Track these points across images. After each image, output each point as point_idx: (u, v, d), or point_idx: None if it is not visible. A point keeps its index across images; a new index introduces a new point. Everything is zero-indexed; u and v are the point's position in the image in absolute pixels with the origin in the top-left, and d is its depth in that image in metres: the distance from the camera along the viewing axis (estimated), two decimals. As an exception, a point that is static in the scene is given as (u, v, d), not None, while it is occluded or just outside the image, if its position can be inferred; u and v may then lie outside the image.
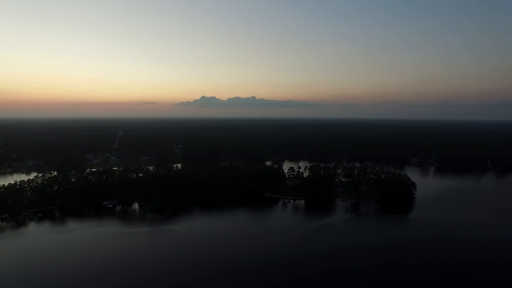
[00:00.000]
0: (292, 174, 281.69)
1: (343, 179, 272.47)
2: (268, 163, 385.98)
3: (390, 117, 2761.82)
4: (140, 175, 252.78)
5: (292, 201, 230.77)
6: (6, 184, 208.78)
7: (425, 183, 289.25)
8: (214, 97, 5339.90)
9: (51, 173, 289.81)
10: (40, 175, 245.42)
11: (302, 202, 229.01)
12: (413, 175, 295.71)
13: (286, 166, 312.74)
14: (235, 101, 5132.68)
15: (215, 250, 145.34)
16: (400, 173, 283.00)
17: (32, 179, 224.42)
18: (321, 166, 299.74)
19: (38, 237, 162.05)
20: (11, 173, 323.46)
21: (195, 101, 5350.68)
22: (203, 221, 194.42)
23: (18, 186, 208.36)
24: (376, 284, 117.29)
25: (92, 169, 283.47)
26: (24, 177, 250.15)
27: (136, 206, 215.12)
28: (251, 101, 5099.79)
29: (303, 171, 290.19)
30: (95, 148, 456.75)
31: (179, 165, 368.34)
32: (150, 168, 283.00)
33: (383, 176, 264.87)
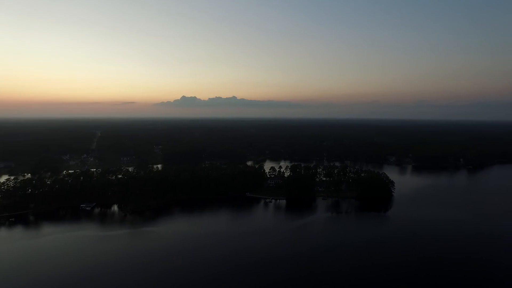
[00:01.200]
0: (273, 174, 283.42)
1: (324, 178, 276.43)
2: (249, 163, 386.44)
3: (369, 117, 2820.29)
4: (119, 176, 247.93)
5: (273, 200, 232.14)
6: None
7: (403, 182, 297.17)
8: (194, 97, 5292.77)
9: (24, 176, 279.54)
10: (12, 177, 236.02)
11: (283, 202, 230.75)
12: (391, 173, 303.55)
13: (267, 166, 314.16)
14: (216, 101, 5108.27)
15: (197, 251, 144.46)
16: (379, 172, 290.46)
17: (3, 182, 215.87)
18: (302, 165, 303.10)
19: (10, 244, 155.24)
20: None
21: (176, 101, 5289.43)
22: (184, 222, 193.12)
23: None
24: (358, 283, 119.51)
25: (69, 171, 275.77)
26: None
27: (115, 208, 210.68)
28: (232, 101, 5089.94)
29: (284, 171, 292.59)
30: (72, 149, 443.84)
31: (159, 165, 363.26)
32: (130, 169, 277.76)
33: (362, 175, 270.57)
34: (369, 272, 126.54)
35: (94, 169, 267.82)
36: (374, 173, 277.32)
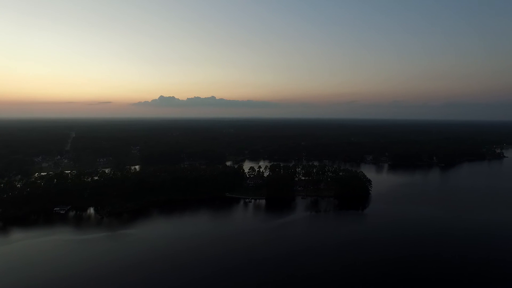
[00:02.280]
0: (252, 174, 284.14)
1: (303, 178, 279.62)
2: (228, 163, 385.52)
3: (347, 117, 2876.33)
4: (96, 178, 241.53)
5: (253, 200, 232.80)
6: None
7: (380, 180, 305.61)
8: (173, 97, 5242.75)
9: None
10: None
11: (263, 202, 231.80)
12: (369, 172, 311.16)
13: (246, 166, 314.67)
14: (195, 101, 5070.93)
15: (177, 254, 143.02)
16: (357, 170, 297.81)
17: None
18: (281, 165, 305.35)
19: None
20: None
21: (153, 100, 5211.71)
22: (163, 223, 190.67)
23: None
24: (338, 284, 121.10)
25: (41, 173, 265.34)
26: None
27: (91, 211, 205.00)
28: (211, 101, 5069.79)
29: (264, 171, 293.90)
30: (45, 151, 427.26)
31: (137, 167, 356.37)
32: (107, 170, 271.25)
33: (340, 173, 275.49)
34: (350, 271, 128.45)
35: (69, 171, 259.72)
36: (352, 172, 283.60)
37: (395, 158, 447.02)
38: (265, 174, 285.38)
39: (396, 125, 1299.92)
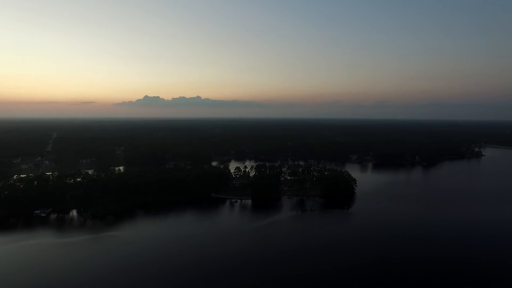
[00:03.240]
0: (238, 174, 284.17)
1: (289, 177, 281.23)
2: (214, 163, 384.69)
3: (332, 117, 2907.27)
4: (78, 179, 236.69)
5: (239, 200, 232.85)
6: None
7: (364, 179, 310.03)
8: (158, 97, 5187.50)
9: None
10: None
11: (249, 202, 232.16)
12: (354, 171, 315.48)
13: (232, 166, 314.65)
14: (180, 101, 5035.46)
15: (162, 256, 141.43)
16: (342, 170, 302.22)
17: None
18: (267, 165, 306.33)
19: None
20: None
21: (138, 100, 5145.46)
22: (148, 225, 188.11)
23: None
24: (326, 283, 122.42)
25: (21, 175, 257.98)
26: None
27: (74, 213, 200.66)
28: (196, 101, 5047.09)
29: (249, 171, 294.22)
30: (24, 152, 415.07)
31: (121, 168, 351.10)
32: (90, 171, 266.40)
33: (326, 173, 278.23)
34: (336, 272, 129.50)
35: (50, 173, 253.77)
36: (337, 171, 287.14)
37: (379, 158, 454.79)
38: (251, 174, 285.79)
39: (380, 125, 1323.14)
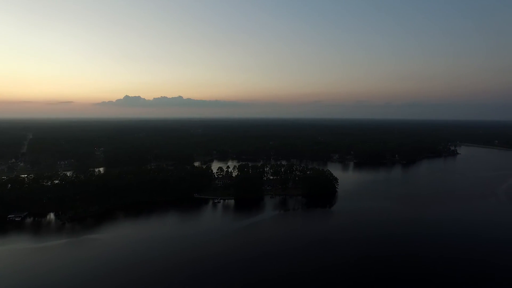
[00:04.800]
0: (221, 174, 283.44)
1: (271, 177, 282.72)
2: (196, 163, 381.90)
3: (313, 117, 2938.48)
4: (56, 181, 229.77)
5: (222, 201, 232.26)
6: None
7: (346, 178, 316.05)
8: (139, 97, 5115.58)
9: None
10: None
11: (231, 202, 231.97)
12: (335, 170, 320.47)
13: (214, 166, 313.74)
14: (161, 101, 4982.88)
15: (144, 257, 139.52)
16: (324, 169, 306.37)
17: None
18: (250, 165, 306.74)
19: None
20: None
21: (118, 100, 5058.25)
22: (130, 227, 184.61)
23: None
24: (309, 284, 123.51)
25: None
26: None
27: (51, 216, 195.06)
28: (178, 101, 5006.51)
29: (232, 171, 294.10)
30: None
31: (101, 169, 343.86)
32: (68, 173, 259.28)
33: (308, 172, 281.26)
34: (319, 272, 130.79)
35: (25, 175, 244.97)
36: (319, 170, 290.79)
37: (360, 157, 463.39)
38: (234, 174, 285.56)
39: (360, 125, 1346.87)
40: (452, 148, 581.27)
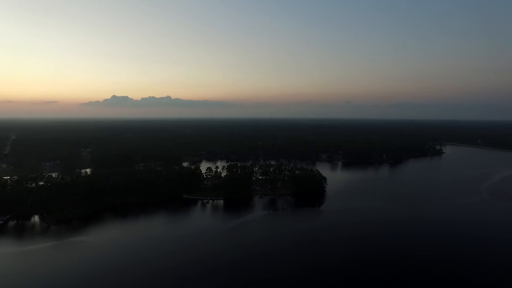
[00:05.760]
0: (210, 174, 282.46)
1: (260, 177, 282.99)
2: (185, 164, 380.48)
3: (303, 117, 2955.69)
4: (41, 183, 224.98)
5: (211, 201, 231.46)
6: None
7: (334, 177, 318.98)
8: (126, 97, 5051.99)
9: None
10: None
11: (221, 202, 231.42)
12: (324, 170, 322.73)
13: (203, 167, 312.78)
14: (150, 101, 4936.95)
15: (133, 260, 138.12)
16: (312, 168, 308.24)
17: None
18: (239, 165, 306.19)
19: None
20: None
21: (105, 100, 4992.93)
22: (118, 229, 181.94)
23: None
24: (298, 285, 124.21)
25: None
26: None
27: (36, 219, 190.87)
28: (167, 101, 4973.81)
29: (221, 171, 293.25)
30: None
31: (88, 170, 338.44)
32: (54, 175, 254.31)
33: (297, 172, 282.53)
34: (308, 272, 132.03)
35: (8, 177, 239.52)
36: (307, 170, 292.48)
37: (348, 156, 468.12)
38: (223, 175, 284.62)
39: (349, 124, 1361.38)
40: (438, 147, 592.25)
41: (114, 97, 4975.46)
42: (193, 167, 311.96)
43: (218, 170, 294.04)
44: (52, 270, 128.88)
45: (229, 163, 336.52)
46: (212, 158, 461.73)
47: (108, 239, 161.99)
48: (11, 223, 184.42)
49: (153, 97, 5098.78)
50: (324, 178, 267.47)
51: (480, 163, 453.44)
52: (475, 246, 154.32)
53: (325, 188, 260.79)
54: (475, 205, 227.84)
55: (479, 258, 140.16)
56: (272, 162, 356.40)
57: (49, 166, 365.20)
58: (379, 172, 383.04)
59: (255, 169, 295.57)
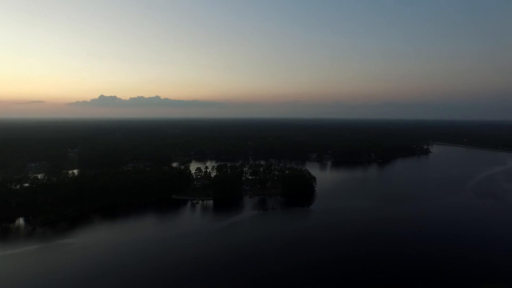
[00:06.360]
0: (199, 175, 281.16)
1: (250, 177, 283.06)
2: (174, 164, 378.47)
3: (291, 116, 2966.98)
4: (26, 185, 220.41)
5: (200, 201, 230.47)
6: None
7: (324, 177, 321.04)
8: (114, 96, 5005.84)
9: None
10: None
11: (210, 202, 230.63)
12: (313, 169, 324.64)
13: (193, 167, 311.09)
14: (138, 101, 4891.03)
15: (120, 262, 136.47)
16: (302, 168, 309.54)
17: None
18: (228, 165, 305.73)
19: None
20: None
21: (93, 100, 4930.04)
22: (106, 230, 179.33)
23: None
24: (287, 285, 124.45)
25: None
26: None
27: (20, 221, 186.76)
28: (156, 101, 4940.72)
29: (211, 171, 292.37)
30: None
31: (75, 171, 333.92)
32: (39, 176, 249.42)
33: (286, 172, 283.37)
34: (297, 273, 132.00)
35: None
36: (297, 170, 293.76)
37: (337, 156, 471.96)
38: (212, 175, 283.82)
39: (338, 124, 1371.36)
40: (425, 147, 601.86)
41: (102, 96, 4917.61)
42: (182, 167, 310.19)
43: (208, 170, 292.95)
44: (37, 274, 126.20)
45: (219, 163, 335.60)
46: (201, 158, 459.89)
47: (96, 241, 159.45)
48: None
49: (142, 97, 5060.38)
50: (314, 178, 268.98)
51: (464, 162, 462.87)
52: (462, 244, 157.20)
53: (315, 188, 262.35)
54: (462, 204, 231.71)
55: (466, 256, 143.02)
56: (262, 162, 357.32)
57: (34, 167, 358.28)
58: (367, 171, 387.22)
59: (245, 169, 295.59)
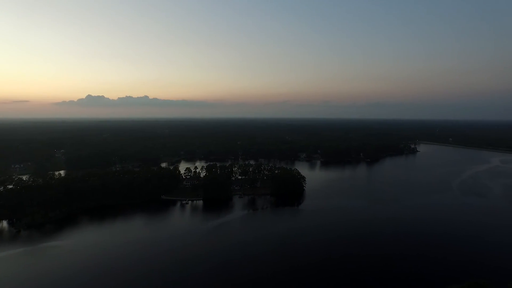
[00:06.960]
0: (189, 175, 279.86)
1: (239, 177, 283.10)
2: (163, 164, 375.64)
3: (281, 116, 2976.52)
4: (10, 186, 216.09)
5: (190, 202, 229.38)
6: None
7: (313, 176, 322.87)
8: (102, 96, 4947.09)
9: None
10: None
11: (200, 202, 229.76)
12: (303, 169, 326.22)
13: (182, 167, 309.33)
14: (127, 101, 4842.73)
15: (109, 265, 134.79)
16: (291, 168, 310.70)
17: None
18: (218, 165, 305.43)
19: None
20: None
21: (80, 100, 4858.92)
22: (94, 232, 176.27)
23: None
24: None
25: None
26: None
27: (4, 224, 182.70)
28: (144, 101, 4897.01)
29: (200, 171, 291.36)
30: None
31: (62, 172, 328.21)
32: (24, 177, 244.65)
33: (276, 171, 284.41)
34: (288, 274, 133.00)
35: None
36: (287, 169, 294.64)
37: (326, 155, 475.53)
38: (202, 175, 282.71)
39: (327, 124, 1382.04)
40: (412, 146, 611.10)
41: (89, 96, 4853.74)
42: (171, 167, 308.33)
43: (197, 170, 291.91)
44: (21, 278, 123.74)
45: (208, 163, 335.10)
46: (190, 159, 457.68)
47: (84, 244, 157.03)
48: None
49: (130, 97, 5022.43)
50: (303, 177, 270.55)
51: (450, 161, 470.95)
52: (447, 243, 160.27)
53: (304, 187, 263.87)
54: (448, 202, 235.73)
55: (450, 253, 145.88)
56: (251, 162, 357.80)
57: (19, 168, 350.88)
58: (356, 170, 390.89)
59: (235, 169, 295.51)
